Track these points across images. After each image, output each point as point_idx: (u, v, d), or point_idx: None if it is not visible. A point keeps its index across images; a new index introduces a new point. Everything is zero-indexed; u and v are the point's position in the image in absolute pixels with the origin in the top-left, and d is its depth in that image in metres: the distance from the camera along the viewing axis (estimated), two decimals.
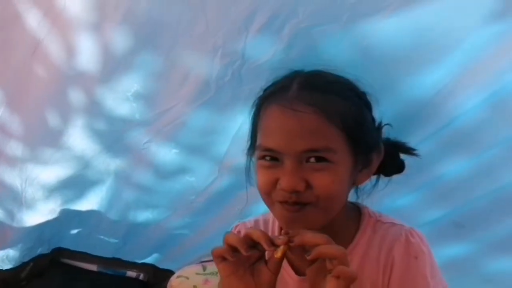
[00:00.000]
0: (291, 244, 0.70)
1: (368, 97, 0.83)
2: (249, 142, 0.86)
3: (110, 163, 1.40)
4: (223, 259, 0.74)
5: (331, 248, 0.67)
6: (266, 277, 0.73)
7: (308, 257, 0.67)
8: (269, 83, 0.84)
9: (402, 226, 0.85)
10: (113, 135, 1.34)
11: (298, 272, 0.86)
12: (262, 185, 0.78)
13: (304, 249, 0.69)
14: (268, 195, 0.78)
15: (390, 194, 1.15)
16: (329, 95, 0.77)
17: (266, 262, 0.74)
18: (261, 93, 0.85)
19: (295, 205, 0.75)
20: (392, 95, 1.03)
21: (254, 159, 0.84)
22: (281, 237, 0.71)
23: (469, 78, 1.00)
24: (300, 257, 0.77)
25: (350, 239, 0.84)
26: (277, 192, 0.76)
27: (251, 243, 0.72)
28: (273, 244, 0.70)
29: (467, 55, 0.96)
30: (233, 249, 0.72)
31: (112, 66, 1.21)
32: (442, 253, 1.13)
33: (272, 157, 0.77)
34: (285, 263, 0.82)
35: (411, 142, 0.95)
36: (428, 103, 1.04)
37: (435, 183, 1.12)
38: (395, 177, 0.92)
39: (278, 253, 0.70)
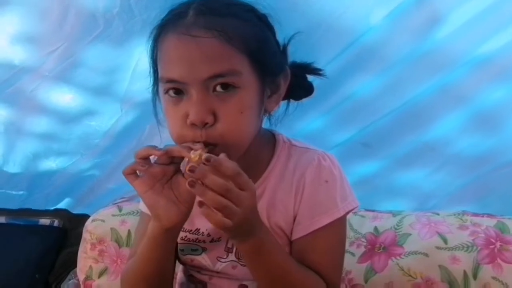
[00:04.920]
0: (206, 163, 0.68)
1: (270, 20, 0.80)
2: (152, 78, 0.79)
3: None
4: (136, 175, 0.73)
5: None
6: (185, 187, 0.71)
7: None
8: (166, 12, 0.78)
9: (315, 151, 0.86)
10: None
11: None
12: (172, 124, 0.75)
13: None
14: (181, 137, 0.74)
15: (301, 119, 1.14)
16: (227, 18, 0.74)
17: (183, 174, 0.73)
18: (158, 22, 0.78)
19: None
20: (294, 16, 0.99)
21: (160, 96, 0.78)
22: (198, 144, 0.71)
23: None
24: None
25: (265, 164, 0.84)
26: (187, 132, 0.73)
27: (167, 160, 0.72)
28: (192, 150, 0.70)
29: None
30: (145, 162, 0.72)
31: None
32: (353, 171, 1.17)
33: (177, 90, 0.73)
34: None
35: (318, 64, 0.92)
36: (333, 22, 1.02)
37: (344, 104, 1.13)
38: (305, 101, 0.89)
39: (196, 157, 0.69)
